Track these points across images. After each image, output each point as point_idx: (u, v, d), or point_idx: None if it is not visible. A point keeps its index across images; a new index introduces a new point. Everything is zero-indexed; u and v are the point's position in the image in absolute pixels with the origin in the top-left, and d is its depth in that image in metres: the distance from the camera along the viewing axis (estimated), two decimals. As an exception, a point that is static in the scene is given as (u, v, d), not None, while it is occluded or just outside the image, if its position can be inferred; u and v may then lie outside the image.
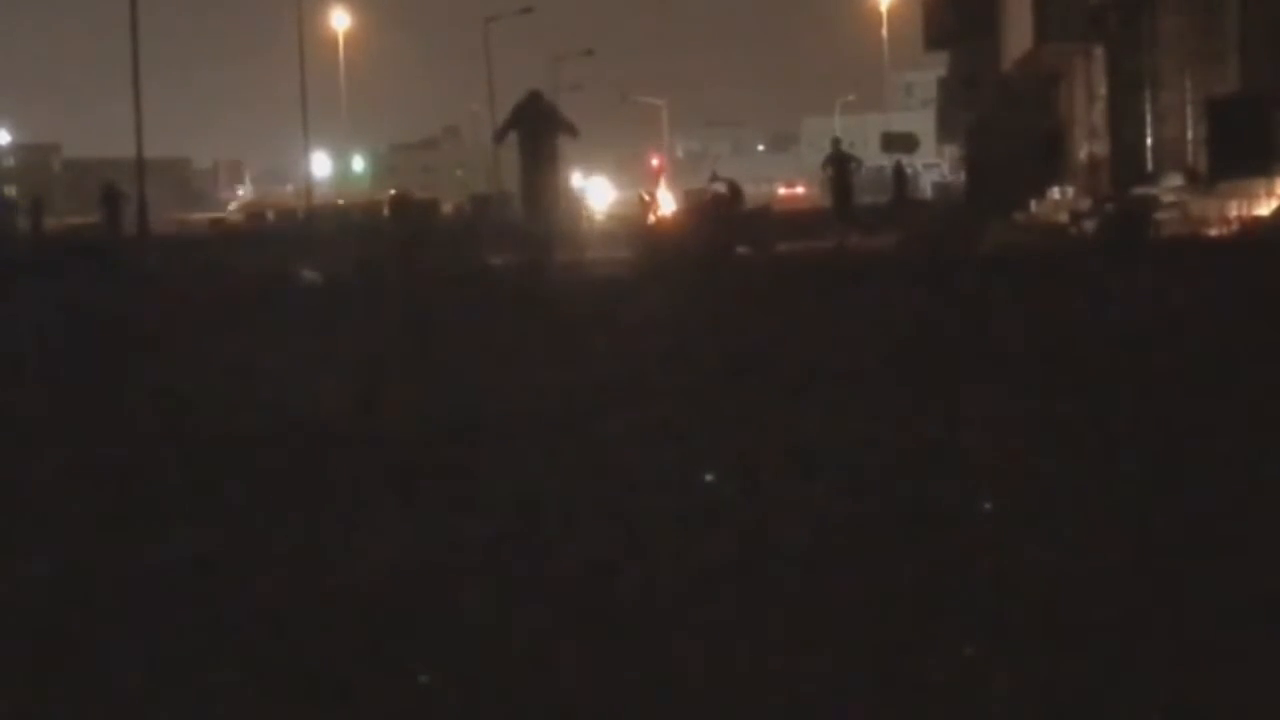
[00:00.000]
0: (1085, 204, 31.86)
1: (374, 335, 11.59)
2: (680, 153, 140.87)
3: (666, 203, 36.04)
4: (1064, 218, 31.05)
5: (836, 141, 35.47)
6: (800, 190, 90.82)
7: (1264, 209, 22.10)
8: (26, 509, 5.57)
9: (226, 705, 3.39)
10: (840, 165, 34.70)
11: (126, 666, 3.63)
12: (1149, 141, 34.82)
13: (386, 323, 12.64)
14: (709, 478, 5.58)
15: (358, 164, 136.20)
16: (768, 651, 3.57)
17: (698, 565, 4.35)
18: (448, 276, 17.88)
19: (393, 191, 75.10)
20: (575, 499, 5.32)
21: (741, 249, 22.71)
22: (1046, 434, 6.28)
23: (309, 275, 19.48)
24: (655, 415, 6.97)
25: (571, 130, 19.57)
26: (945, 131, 63.24)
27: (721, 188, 28.66)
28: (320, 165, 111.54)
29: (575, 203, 67.65)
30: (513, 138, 20.27)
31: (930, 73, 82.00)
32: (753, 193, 55.03)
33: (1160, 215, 24.21)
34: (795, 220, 34.31)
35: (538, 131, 19.41)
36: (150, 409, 7.97)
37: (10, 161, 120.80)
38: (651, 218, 34.07)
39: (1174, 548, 4.43)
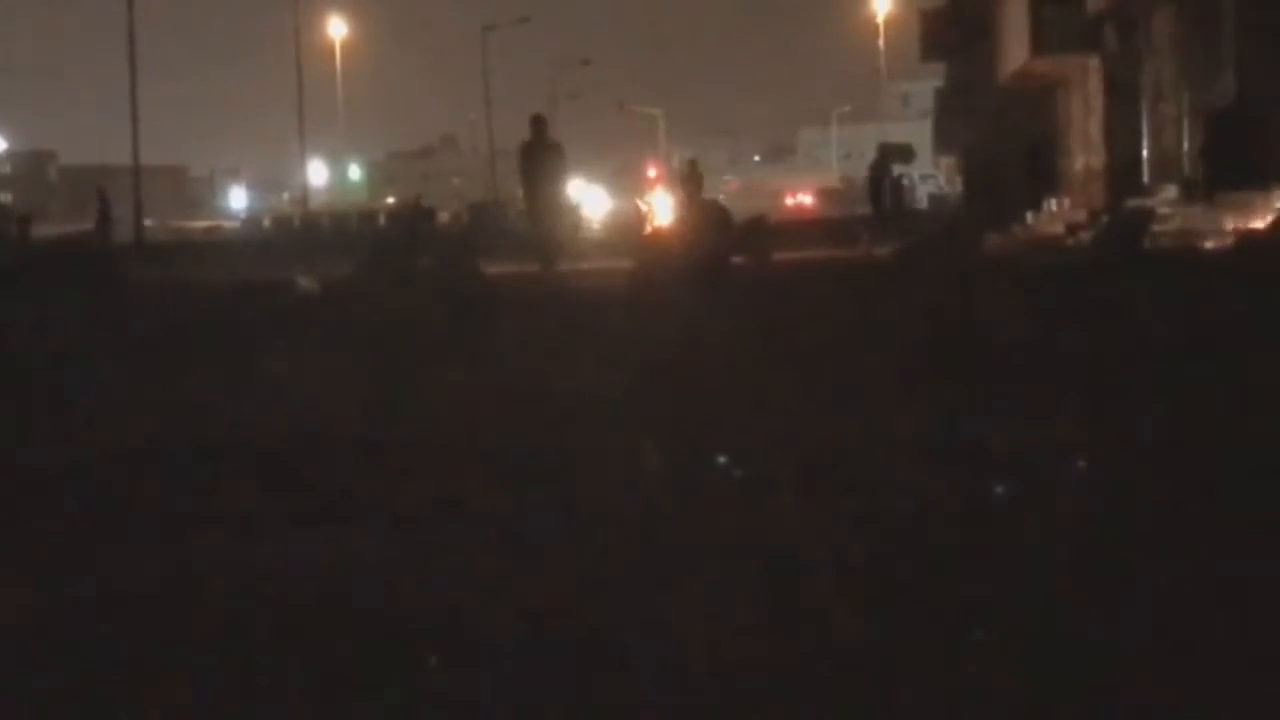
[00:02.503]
0: (1081, 216, 31.85)
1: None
2: (676, 162, 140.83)
3: (664, 211, 36.05)
4: (1060, 229, 31.04)
5: (882, 148, 36.19)
6: (808, 201, 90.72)
7: (1260, 221, 22.09)
8: None
9: None
10: (880, 173, 35.60)
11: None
12: (1145, 154, 34.82)
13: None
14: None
15: (354, 172, 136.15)
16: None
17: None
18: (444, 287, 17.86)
19: (390, 200, 75.02)
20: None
21: (738, 259, 22.67)
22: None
23: (304, 283, 19.46)
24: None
25: (564, 162, 21.62)
26: (942, 142, 63.28)
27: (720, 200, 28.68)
28: (317, 173, 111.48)
29: (572, 212, 67.57)
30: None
31: (927, 83, 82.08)
32: (751, 205, 55.00)
33: (1156, 227, 24.20)
34: (793, 230, 34.34)
35: (543, 153, 21.24)
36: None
37: (6, 168, 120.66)
38: (648, 227, 34.04)
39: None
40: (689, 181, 33.96)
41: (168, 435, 7.28)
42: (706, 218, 26.82)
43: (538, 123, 21.71)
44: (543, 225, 21.39)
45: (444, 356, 10.55)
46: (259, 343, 11.83)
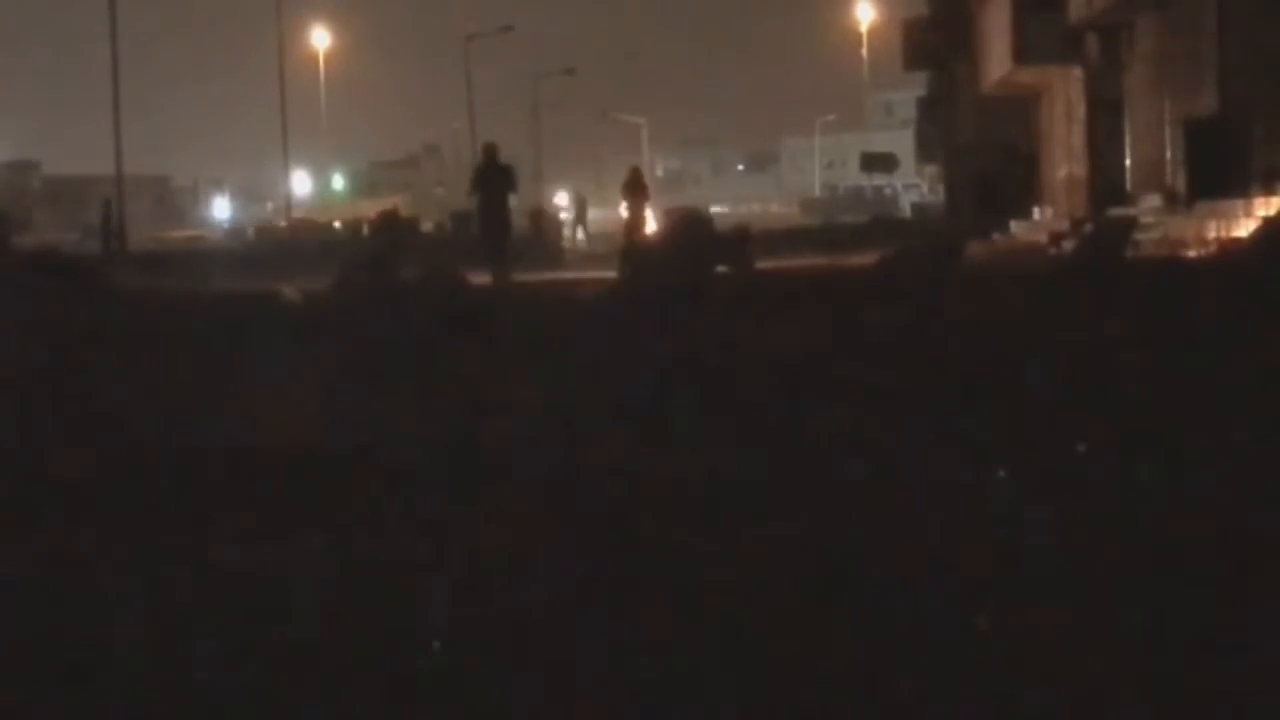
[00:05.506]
0: (1064, 225, 31.90)
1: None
2: (660, 171, 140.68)
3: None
4: (1043, 238, 31.09)
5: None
6: (796, 210, 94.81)
7: (1242, 230, 22.12)
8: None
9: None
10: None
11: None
12: (1127, 162, 34.87)
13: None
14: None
15: (338, 182, 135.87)
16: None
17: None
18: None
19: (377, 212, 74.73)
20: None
21: (721, 268, 22.68)
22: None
23: (288, 293, 19.45)
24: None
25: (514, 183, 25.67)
26: (925, 151, 63.28)
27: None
28: (300, 183, 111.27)
29: (553, 222, 67.49)
30: None
31: (910, 92, 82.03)
32: (732, 213, 55.10)
33: (1139, 236, 24.24)
34: (776, 239, 34.43)
35: (493, 176, 24.83)
36: None
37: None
38: (630, 239, 34.07)
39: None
40: (632, 188, 34.44)
41: (149, 441, 7.27)
42: (688, 227, 26.86)
43: (489, 150, 25.49)
44: (493, 240, 24.67)
45: (427, 365, 10.53)
46: (245, 352, 11.81)
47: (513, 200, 26.17)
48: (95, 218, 46.88)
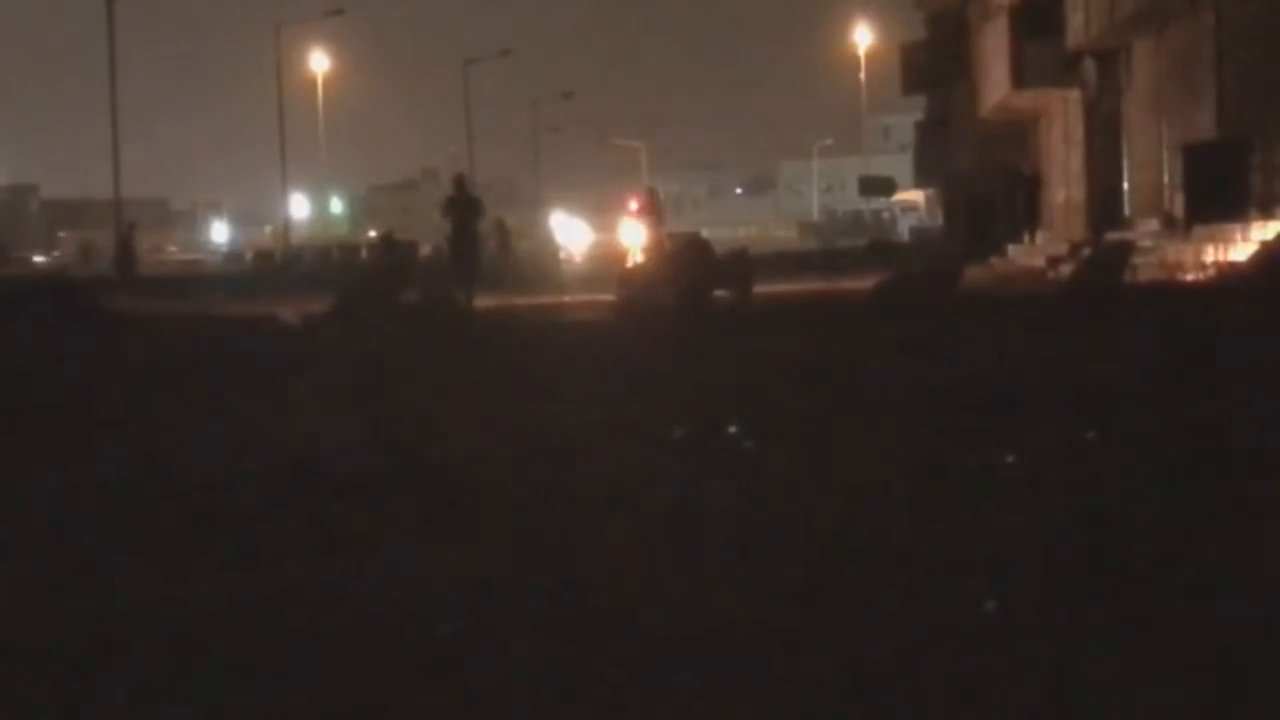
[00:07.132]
0: (1062, 248, 31.94)
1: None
2: (662, 195, 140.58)
3: (634, 241, 36.36)
4: (1040, 262, 31.12)
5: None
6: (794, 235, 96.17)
7: (1239, 254, 22.14)
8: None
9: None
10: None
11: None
12: (1125, 186, 34.93)
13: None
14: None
15: (336, 205, 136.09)
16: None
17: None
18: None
19: (372, 234, 74.81)
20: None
21: (720, 293, 22.70)
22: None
23: (286, 318, 19.48)
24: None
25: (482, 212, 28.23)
26: (923, 175, 63.36)
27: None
28: (299, 207, 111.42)
29: (551, 245, 67.63)
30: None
31: (908, 116, 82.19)
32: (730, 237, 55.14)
33: (1137, 260, 24.27)
34: (774, 263, 34.48)
35: (463, 206, 26.99)
36: None
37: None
38: (630, 262, 34.10)
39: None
40: (649, 211, 34.58)
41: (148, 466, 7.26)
42: (688, 251, 26.88)
43: (459, 181, 27.87)
44: (463, 265, 26.63)
45: (426, 386, 10.54)
46: (243, 376, 11.81)
47: (480, 225, 28.67)
48: (97, 241, 47.07)
